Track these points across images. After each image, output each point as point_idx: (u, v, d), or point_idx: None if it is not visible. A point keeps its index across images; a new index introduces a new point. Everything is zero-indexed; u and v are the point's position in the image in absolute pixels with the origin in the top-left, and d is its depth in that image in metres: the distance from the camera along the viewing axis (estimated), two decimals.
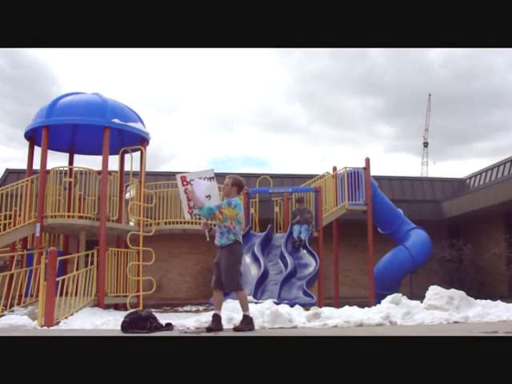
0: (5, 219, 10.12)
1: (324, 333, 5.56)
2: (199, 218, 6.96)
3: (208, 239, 5.86)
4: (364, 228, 12.30)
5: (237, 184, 5.78)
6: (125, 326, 5.64)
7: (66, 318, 7.31)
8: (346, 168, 12.18)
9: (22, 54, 65.91)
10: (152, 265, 9.82)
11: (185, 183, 5.74)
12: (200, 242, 14.62)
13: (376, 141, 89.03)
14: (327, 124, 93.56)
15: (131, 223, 10.54)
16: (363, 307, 7.46)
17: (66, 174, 10.30)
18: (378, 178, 15.46)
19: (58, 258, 7.36)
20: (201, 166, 77.43)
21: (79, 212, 9.81)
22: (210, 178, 5.73)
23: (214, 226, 5.90)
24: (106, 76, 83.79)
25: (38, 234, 9.30)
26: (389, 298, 7.33)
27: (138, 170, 10.51)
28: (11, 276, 9.14)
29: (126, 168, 10.81)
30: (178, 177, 5.80)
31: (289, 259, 9.72)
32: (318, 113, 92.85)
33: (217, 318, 5.60)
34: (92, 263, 8.97)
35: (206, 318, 6.12)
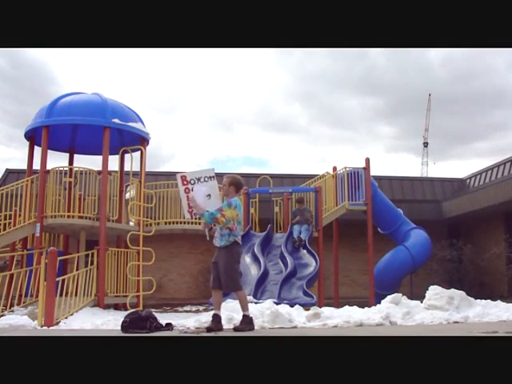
0: (5, 219, 10.11)
1: (324, 333, 5.56)
2: (199, 218, 6.97)
3: (208, 238, 5.87)
4: (364, 228, 12.30)
5: (234, 183, 5.78)
6: (125, 325, 5.64)
7: (66, 317, 7.31)
8: (346, 168, 12.18)
9: (22, 54, 65.94)
10: (152, 265, 9.82)
11: (185, 182, 5.76)
12: (200, 241, 14.63)
13: (376, 141, 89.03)
14: (327, 124, 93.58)
15: (131, 223, 10.54)
16: (363, 307, 7.46)
17: (66, 174, 10.30)
18: (378, 178, 15.46)
19: (58, 258, 7.36)
20: (201, 166, 77.34)
21: (79, 212, 9.81)
22: (211, 177, 5.76)
23: (214, 225, 5.90)
24: (106, 76, 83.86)
25: (38, 234, 9.30)
26: (389, 298, 7.33)
27: (138, 170, 10.51)
28: (11, 276, 9.14)
29: (126, 168, 10.82)
30: (178, 176, 5.81)
31: (289, 259, 9.72)
32: (318, 113, 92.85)
33: (217, 318, 5.59)
34: (92, 263, 8.97)
35: (206, 318, 6.11)
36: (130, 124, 9.83)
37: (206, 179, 5.75)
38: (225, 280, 5.58)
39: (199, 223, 10.21)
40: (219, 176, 5.89)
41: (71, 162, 11.25)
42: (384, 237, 13.54)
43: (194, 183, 5.75)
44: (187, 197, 5.75)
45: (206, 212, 5.60)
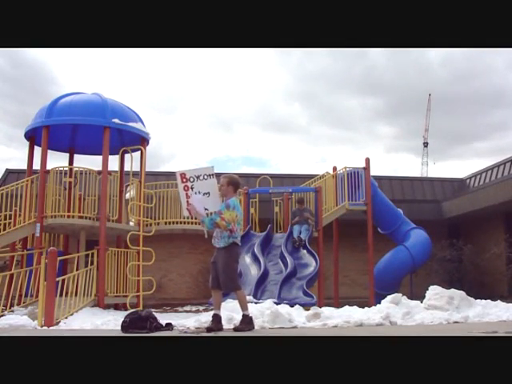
0: (5, 219, 10.11)
1: (324, 333, 5.56)
2: None
3: (206, 236, 5.87)
4: (364, 228, 12.30)
5: (232, 183, 5.75)
6: (125, 326, 5.63)
7: (66, 317, 7.31)
8: (346, 168, 12.18)
9: (22, 54, 65.99)
10: (152, 265, 9.82)
11: (184, 180, 5.75)
12: (200, 241, 14.62)
13: (376, 141, 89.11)
14: (327, 124, 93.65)
15: (131, 223, 10.54)
16: (363, 307, 7.46)
17: (66, 174, 10.30)
18: (378, 178, 15.46)
19: (58, 258, 7.36)
20: (200, 166, 77.22)
21: (79, 212, 9.81)
22: (210, 175, 5.76)
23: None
24: (106, 76, 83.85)
25: (38, 234, 9.30)
26: (389, 298, 7.33)
27: (138, 170, 10.51)
28: (11, 276, 9.13)
29: (126, 168, 10.82)
30: (178, 174, 5.81)
31: (289, 259, 9.71)
32: (317, 113, 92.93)
33: (216, 318, 5.59)
34: (92, 263, 8.97)
35: (205, 318, 6.11)
36: (130, 124, 9.83)
37: (206, 177, 5.74)
38: (223, 280, 5.57)
39: (199, 223, 10.18)
40: (218, 176, 5.88)
41: (71, 162, 11.25)
42: (384, 237, 13.54)
43: (193, 181, 5.74)
44: (186, 194, 5.75)
45: (205, 218, 5.59)
